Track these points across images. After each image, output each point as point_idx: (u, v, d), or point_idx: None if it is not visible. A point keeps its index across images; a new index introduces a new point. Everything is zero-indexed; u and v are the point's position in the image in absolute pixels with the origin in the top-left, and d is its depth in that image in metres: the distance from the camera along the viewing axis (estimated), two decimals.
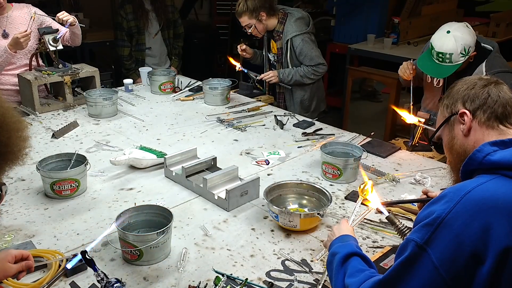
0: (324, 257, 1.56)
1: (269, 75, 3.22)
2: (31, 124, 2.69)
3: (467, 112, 1.19)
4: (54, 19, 2.96)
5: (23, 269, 1.31)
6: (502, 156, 1.05)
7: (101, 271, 1.27)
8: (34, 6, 3.07)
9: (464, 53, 2.23)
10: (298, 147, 2.46)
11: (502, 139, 1.10)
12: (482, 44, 2.36)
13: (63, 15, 2.91)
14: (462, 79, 1.28)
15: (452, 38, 2.22)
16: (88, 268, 1.37)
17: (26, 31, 2.78)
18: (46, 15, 3.04)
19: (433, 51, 2.30)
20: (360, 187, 1.62)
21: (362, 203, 1.71)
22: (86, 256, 1.26)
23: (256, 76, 3.29)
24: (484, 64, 2.29)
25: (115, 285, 1.27)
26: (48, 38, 2.89)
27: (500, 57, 2.35)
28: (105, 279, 1.27)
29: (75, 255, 1.32)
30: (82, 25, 3.06)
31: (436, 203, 1.05)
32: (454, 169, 1.26)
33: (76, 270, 1.46)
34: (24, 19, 2.95)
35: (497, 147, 1.08)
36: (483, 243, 0.95)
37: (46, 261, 1.50)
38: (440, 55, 2.26)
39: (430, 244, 1.00)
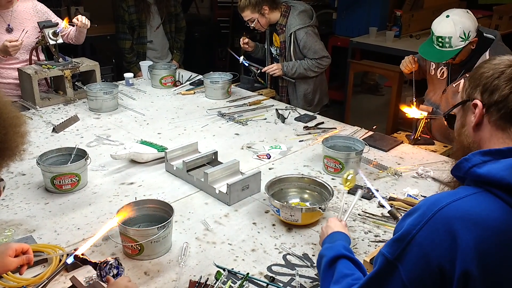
0: None
1: (273, 68, 3.20)
2: (31, 119, 2.68)
3: (480, 104, 1.05)
4: (59, 17, 2.94)
5: (23, 263, 1.30)
6: (489, 170, 0.94)
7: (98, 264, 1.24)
8: (38, 1, 3.04)
9: (463, 37, 2.21)
10: (300, 141, 2.45)
11: (499, 148, 0.98)
12: (485, 34, 2.34)
13: (81, 19, 2.89)
14: (493, 58, 1.09)
15: (451, 22, 2.21)
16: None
17: (17, 40, 2.74)
18: (52, 13, 3.04)
19: (433, 36, 2.29)
20: (344, 177, 1.70)
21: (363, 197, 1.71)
22: (80, 256, 1.24)
23: (259, 70, 3.27)
24: (487, 52, 2.28)
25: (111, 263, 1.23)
26: (48, 32, 2.88)
27: (503, 45, 2.33)
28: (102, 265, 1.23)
29: (76, 250, 1.31)
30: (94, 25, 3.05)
31: (411, 215, 0.99)
32: (454, 157, 1.16)
33: (77, 265, 1.45)
34: (29, 14, 2.94)
35: (490, 156, 0.97)
36: (451, 264, 0.90)
37: (47, 255, 1.49)
38: (440, 39, 2.25)
39: (400, 260, 0.95)
